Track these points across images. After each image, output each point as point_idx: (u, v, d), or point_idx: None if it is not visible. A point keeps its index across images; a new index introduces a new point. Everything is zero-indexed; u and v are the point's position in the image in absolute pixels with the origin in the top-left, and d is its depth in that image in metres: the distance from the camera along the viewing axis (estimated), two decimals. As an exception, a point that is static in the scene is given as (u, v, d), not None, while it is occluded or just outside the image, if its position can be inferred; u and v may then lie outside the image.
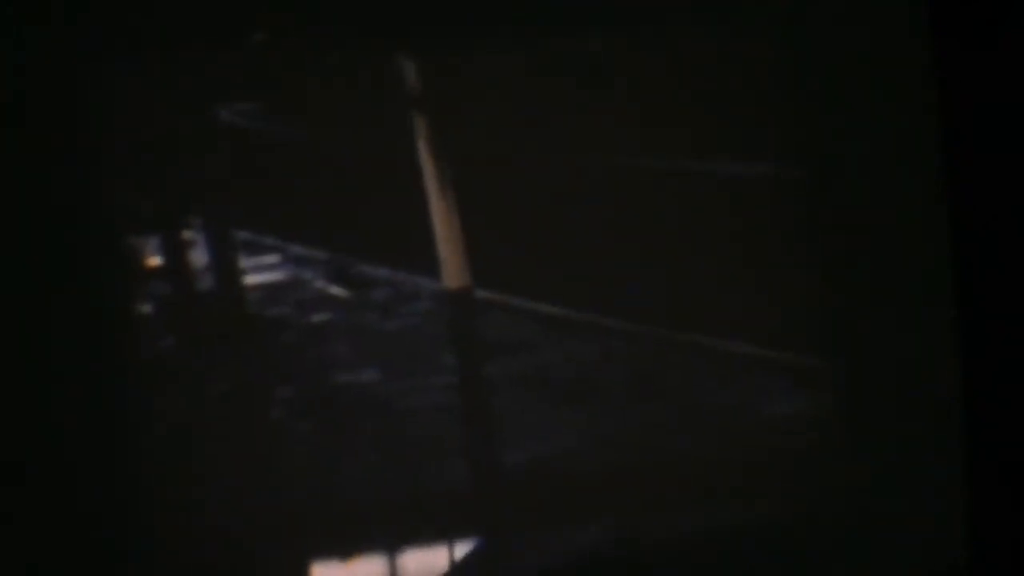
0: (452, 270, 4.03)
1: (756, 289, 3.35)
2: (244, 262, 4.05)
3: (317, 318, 4.08)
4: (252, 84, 3.94)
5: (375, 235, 4.09)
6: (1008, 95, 2.41)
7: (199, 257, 3.96)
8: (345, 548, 3.87)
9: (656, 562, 3.29)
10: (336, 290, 4.17)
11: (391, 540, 3.86)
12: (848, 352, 3.32)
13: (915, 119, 2.88)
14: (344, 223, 4.08)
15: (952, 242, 2.45)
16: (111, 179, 3.65)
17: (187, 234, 3.95)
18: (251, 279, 4.08)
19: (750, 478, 3.36)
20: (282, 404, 3.96)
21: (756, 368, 3.55)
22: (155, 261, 3.89)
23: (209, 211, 3.96)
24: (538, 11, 3.45)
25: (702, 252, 3.54)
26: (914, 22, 2.74)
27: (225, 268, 3.99)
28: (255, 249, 4.11)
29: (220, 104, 3.96)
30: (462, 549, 3.82)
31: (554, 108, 3.72)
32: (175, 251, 3.92)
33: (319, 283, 4.17)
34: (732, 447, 3.43)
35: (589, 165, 3.78)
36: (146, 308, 3.85)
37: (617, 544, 3.43)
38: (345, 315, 4.13)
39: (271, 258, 4.15)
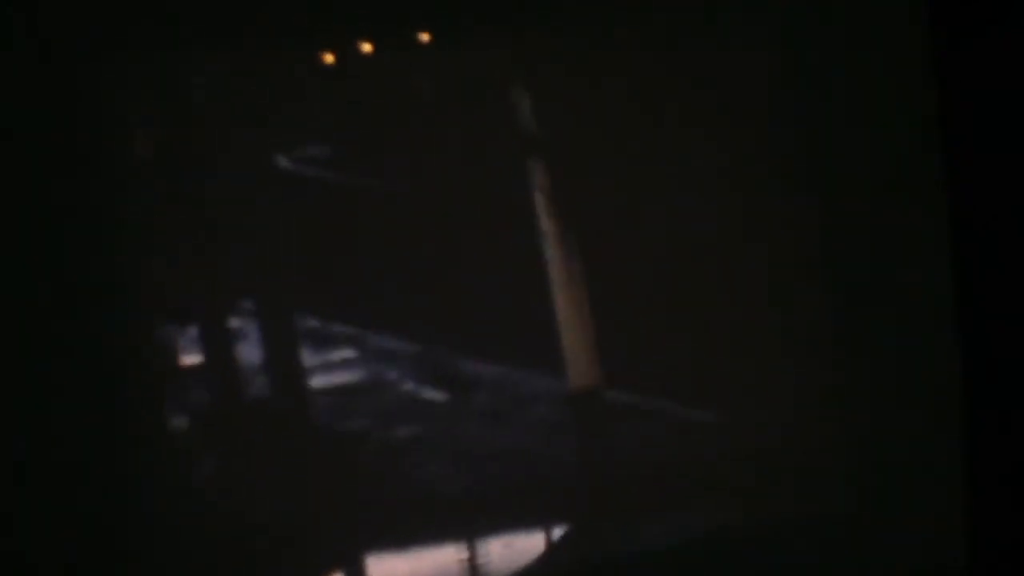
0: (579, 366, 3.63)
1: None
2: (309, 359, 3.69)
3: (405, 431, 3.71)
4: (316, 119, 3.51)
5: (480, 322, 3.73)
6: (1008, 95, 2.50)
7: (250, 352, 3.56)
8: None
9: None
10: (430, 393, 3.80)
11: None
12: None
13: (915, 119, 3.03)
14: (440, 306, 3.72)
15: (952, 242, 2.59)
16: (130, 251, 3.19)
17: (234, 322, 3.55)
18: (319, 381, 3.72)
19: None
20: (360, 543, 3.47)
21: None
22: (192, 359, 3.49)
23: (263, 291, 3.55)
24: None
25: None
26: (914, 22, 2.77)
27: (284, 367, 3.56)
28: (324, 341, 3.77)
29: (277, 149, 3.55)
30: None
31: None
32: (218, 345, 3.49)
33: (407, 385, 3.82)
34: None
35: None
36: (180, 422, 3.42)
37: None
38: (442, 426, 3.75)
39: (345, 352, 3.81)
